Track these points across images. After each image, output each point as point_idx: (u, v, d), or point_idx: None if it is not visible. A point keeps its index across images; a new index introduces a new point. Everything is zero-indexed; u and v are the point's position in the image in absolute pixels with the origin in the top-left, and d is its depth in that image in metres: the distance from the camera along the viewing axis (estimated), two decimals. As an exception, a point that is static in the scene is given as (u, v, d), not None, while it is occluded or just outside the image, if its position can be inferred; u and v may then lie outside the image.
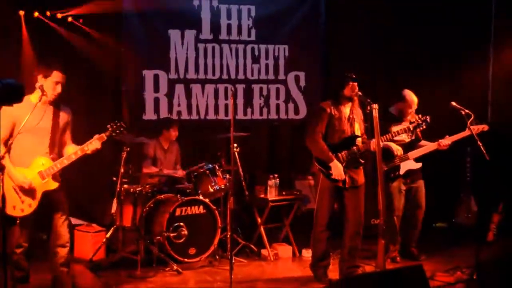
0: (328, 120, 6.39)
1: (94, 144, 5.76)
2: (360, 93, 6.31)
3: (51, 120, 5.70)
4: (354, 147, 6.41)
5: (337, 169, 6.32)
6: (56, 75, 5.68)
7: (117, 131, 5.89)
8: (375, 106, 5.75)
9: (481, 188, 8.73)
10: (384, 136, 6.55)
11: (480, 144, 6.49)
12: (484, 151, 6.44)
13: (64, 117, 5.83)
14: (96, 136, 5.80)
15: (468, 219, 8.75)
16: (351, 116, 6.48)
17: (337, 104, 6.45)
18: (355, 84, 6.37)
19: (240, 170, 7.66)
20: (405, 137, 7.20)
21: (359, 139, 6.47)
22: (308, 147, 6.48)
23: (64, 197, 5.82)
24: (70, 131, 5.95)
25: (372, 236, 6.74)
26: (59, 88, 5.71)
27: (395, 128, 6.89)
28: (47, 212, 5.64)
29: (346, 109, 6.48)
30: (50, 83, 5.65)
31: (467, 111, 6.68)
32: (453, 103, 6.78)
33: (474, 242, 6.99)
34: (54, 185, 5.70)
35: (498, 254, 7.54)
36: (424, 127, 6.94)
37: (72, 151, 5.77)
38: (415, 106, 7.27)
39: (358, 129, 6.52)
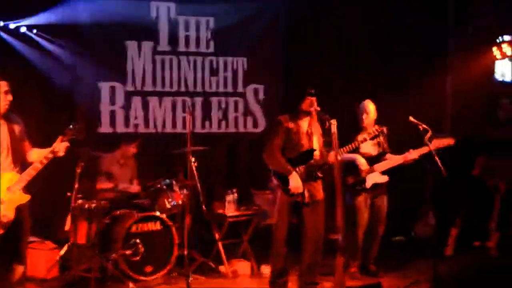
0: (285, 134, 6.41)
1: (62, 144, 5.71)
2: (318, 108, 6.34)
3: (7, 134, 5.62)
4: (312, 161, 6.43)
5: (296, 181, 6.31)
6: (3, 85, 5.60)
7: (76, 133, 5.81)
8: (334, 121, 5.76)
9: (440, 201, 8.82)
10: (349, 146, 6.61)
11: (437, 160, 6.56)
12: (442, 167, 6.50)
13: (17, 126, 5.75)
14: (60, 137, 5.74)
15: (426, 233, 8.84)
16: (309, 130, 6.50)
17: (295, 118, 6.48)
18: (314, 98, 6.39)
19: (198, 185, 7.54)
20: (372, 150, 7.28)
21: (316, 153, 6.48)
22: (265, 161, 6.49)
23: (28, 214, 5.76)
24: (27, 137, 5.89)
25: (331, 250, 6.74)
26: (10, 96, 5.63)
27: (360, 137, 6.95)
28: (11, 227, 5.53)
29: (304, 123, 6.50)
30: (0, 95, 5.54)
31: (424, 126, 6.72)
32: (411, 118, 6.81)
33: (432, 256, 7.07)
34: (26, 197, 5.65)
35: (456, 269, 7.63)
36: (382, 138, 7.08)
37: (37, 157, 5.70)
38: (371, 114, 7.31)
39: (316, 143, 6.53)
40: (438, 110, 9.46)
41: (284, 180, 6.38)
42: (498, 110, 9.66)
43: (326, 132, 6.31)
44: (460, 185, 8.51)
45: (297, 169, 6.39)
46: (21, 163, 5.75)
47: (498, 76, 9.63)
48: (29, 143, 5.89)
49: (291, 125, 6.43)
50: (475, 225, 8.36)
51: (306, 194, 6.40)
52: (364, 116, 7.33)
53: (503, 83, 9.71)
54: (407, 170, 7.58)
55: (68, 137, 5.75)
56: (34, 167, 5.64)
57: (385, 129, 6.84)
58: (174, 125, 8.92)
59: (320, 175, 6.48)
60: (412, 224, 9.04)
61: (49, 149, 5.71)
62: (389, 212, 7.54)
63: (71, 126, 5.80)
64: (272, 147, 6.41)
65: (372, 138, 6.87)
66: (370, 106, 7.37)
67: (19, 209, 5.57)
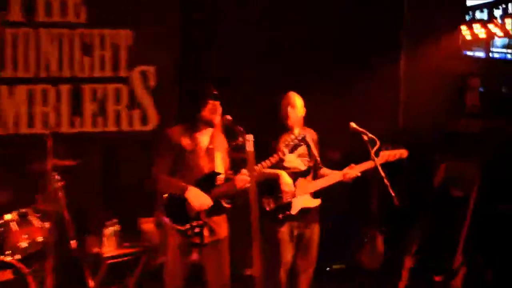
0: (175, 153, 6.28)
1: None
2: (228, 117, 6.17)
3: None
4: (215, 188, 6.30)
5: (198, 196, 6.16)
6: None
7: None
8: (249, 137, 5.65)
9: (389, 221, 8.90)
10: (266, 161, 6.44)
11: (387, 183, 6.48)
12: (393, 193, 6.42)
13: None
14: None
15: (374, 262, 8.84)
16: (210, 146, 6.39)
17: (192, 130, 6.34)
18: (217, 103, 6.28)
19: (65, 212, 7.36)
20: (300, 164, 7.10)
21: (220, 177, 6.37)
22: (150, 189, 6.34)
23: None
24: None
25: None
26: None
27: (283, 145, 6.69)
28: None
29: (203, 137, 6.38)
30: None
31: (370, 135, 6.66)
32: (353, 124, 6.75)
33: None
34: None
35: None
36: (311, 146, 6.98)
37: None
38: (297, 109, 7.11)
39: (220, 163, 6.43)
40: (389, 103, 9.64)
41: (176, 215, 6.23)
42: (464, 94, 9.72)
43: (235, 148, 6.29)
44: (416, 200, 8.54)
45: None
46: None
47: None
48: None
49: (185, 140, 6.27)
50: (437, 254, 8.42)
51: (206, 232, 6.29)
52: (289, 110, 7.11)
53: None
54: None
55: None
56: None
57: (308, 135, 6.76)
58: (31, 123, 8.68)
59: (226, 205, 6.37)
60: (356, 249, 8.98)
61: None
62: (325, 234, 7.36)
63: None
64: (156, 172, 6.27)
65: (292, 150, 6.66)
66: (296, 99, 7.16)
67: None
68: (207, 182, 6.28)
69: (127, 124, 9.10)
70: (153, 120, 9.18)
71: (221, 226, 6.42)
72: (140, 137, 9.10)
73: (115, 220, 7.66)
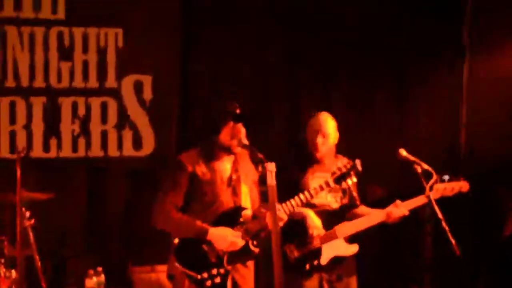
0: (190, 185, 6.31)
1: None
2: (247, 143, 6.23)
3: None
4: (239, 226, 6.33)
5: (223, 237, 6.22)
6: None
7: None
8: (271, 166, 5.57)
9: (447, 278, 8.93)
10: (296, 199, 6.48)
11: (446, 228, 6.53)
12: (453, 240, 6.49)
13: None
14: None
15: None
16: (234, 176, 6.43)
17: (209, 156, 6.40)
18: (240, 125, 6.30)
19: (37, 258, 7.41)
20: (331, 201, 7.19)
21: (246, 213, 6.38)
22: (158, 228, 6.36)
23: None
24: None
25: None
26: None
27: (312, 180, 6.87)
28: None
29: (224, 165, 6.43)
30: None
31: (425, 166, 6.72)
32: (402, 152, 6.81)
33: None
34: None
35: None
36: (354, 179, 6.89)
37: None
38: (330, 137, 7.14)
39: (246, 196, 6.46)
40: (447, 123, 9.68)
41: (193, 265, 6.25)
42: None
43: (262, 179, 6.12)
44: (480, 251, 8.59)
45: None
46: None
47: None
48: None
49: (201, 169, 6.33)
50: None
51: (229, 285, 6.29)
52: (318, 141, 7.20)
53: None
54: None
55: None
56: None
57: (357, 163, 6.67)
58: (-6, 146, 8.70)
59: (254, 248, 6.37)
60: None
61: None
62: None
63: None
64: (164, 206, 6.29)
65: (338, 180, 6.71)
66: (328, 124, 7.20)
67: None
68: (228, 220, 6.31)
69: (116, 148, 9.17)
70: (149, 143, 9.24)
71: (247, 280, 6.45)
72: (132, 164, 9.19)
73: (99, 269, 7.57)
